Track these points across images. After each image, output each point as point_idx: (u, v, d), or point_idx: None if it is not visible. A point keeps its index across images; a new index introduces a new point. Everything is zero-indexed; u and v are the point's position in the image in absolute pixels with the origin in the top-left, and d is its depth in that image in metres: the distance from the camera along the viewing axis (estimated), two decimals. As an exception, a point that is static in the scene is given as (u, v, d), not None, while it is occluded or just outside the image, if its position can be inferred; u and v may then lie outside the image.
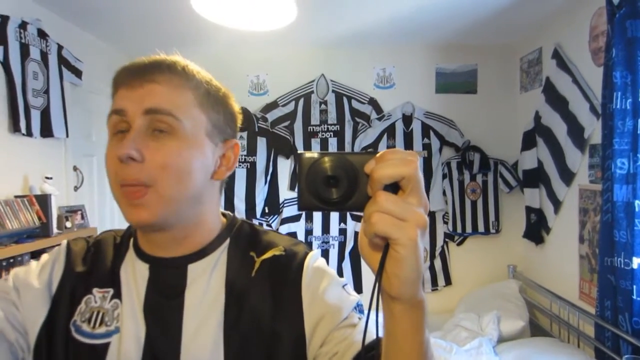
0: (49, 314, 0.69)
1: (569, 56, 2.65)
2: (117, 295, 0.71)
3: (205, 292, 0.70)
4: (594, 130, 2.39)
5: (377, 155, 0.48)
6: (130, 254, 0.75)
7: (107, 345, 0.67)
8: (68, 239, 0.79)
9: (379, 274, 0.49)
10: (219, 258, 0.73)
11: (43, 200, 2.21)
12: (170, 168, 0.65)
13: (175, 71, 0.68)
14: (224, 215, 0.81)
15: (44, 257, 0.76)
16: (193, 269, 0.71)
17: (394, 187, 0.47)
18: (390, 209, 0.45)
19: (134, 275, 0.72)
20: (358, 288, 3.40)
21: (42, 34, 2.39)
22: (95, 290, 0.71)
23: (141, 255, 0.73)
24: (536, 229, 3.01)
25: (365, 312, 0.53)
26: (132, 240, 0.77)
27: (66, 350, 0.67)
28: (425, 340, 0.52)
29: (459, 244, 3.45)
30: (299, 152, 0.51)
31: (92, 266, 0.74)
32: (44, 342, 0.68)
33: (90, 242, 0.78)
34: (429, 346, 0.53)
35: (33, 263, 0.75)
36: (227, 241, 0.76)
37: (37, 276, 0.72)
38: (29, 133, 2.28)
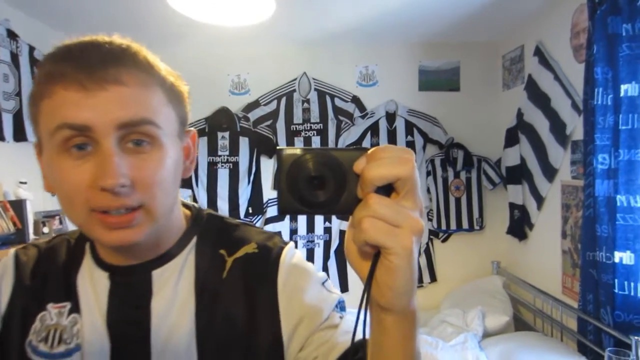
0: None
1: (551, 53, 2.67)
2: (75, 309, 0.64)
3: (174, 298, 0.64)
4: (575, 127, 2.41)
5: (368, 152, 0.43)
6: (87, 260, 0.67)
7: None
8: (17, 248, 0.71)
9: (368, 285, 0.44)
10: (187, 259, 0.67)
11: (18, 206, 2.15)
12: (159, 184, 0.57)
13: (141, 65, 0.57)
14: (187, 207, 0.73)
15: None
16: (158, 275, 0.65)
17: (387, 189, 0.42)
18: (384, 213, 0.41)
19: (93, 285, 0.65)
20: (344, 287, 3.39)
21: (11, 35, 2.30)
22: (50, 306, 0.65)
23: (99, 262, 0.66)
24: (519, 225, 3.03)
25: (354, 322, 0.49)
26: (88, 244, 0.69)
27: None
28: (416, 352, 0.49)
29: (444, 240, 3.46)
30: (278, 147, 0.45)
31: (45, 278, 0.67)
32: None
33: (42, 249, 0.70)
34: (419, 358, 0.50)
35: None
36: (194, 239, 0.69)
37: None
38: (1, 137, 2.21)
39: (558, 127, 2.56)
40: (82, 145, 0.54)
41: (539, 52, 2.76)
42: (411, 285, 0.44)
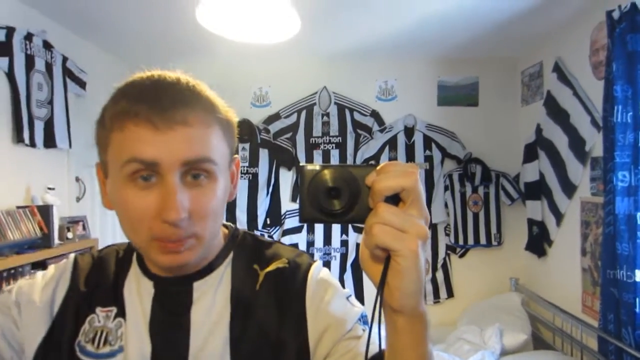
0: (48, 332, 0.68)
1: (570, 70, 2.67)
2: (121, 313, 0.69)
3: (211, 308, 0.69)
4: (595, 143, 2.40)
5: (378, 167, 0.49)
6: (134, 270, 0.73)
7: None
8: (76, 253, 0.77)
9: (381, 286, 0.49)
10: (224, 273, 0.72)
11: (45, 211, 2.21)
12: (212, 214, 0.63)
13: (205, 106, 0.63)
14: (225, 226, 0.79)
15: (50, 270, 0.74)
16: (199, 286, 0.70)
17: (394, 199, 0.48)
18: (391, 220, 0.46)
19: (139, 292, 0.70)
20: (360, 299, 3.35)
21: (47, 45, 2.41)
22: (98, 310, 0.70)
23: (146, 272, 0.72)
24: (538, 241, 3.01)
25: (374, 334, 0.53)
26: (135, 254, 0.75)
27: None
28: (428, 353, 0.52)
29: (461, 256, 3.44)
30: (300, 164, 0.51)
31: (96, 284, 0.72)
32: None
33: (95, 258, 0.76)
34: (432, 359, 0.53)
35: (39, 276, 0.73)
36: (231, 255, 0.74)
37: (41, 292, 0.70)
38: (32, 144, 2.29)
39: (577, 144, 2.55)
40: (147, 176, 0.59)
41: (557, 69, 2.76)
42: (418, 286, 0.48)
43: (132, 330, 0.67)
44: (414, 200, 0.47)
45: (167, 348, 0.67)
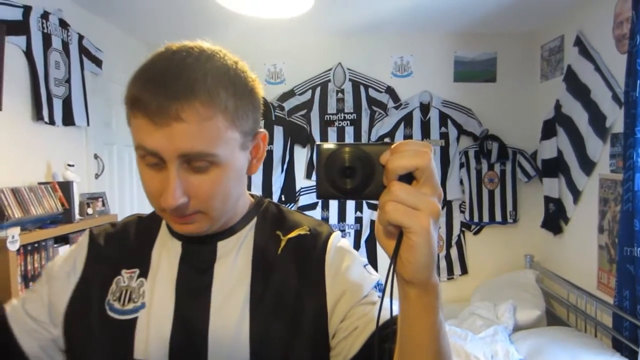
0: (73, 295, 0.75)
1: (592, 43, 2.60)
2: (143, 274, 0.75)
3: (233, 266, 0.74)
4: (616, 119, 2.35)
5: (392, 146, 0.51)
6: (163, 234, 0.79)
7: (135, 319, 0.72)
8: (90, 227, 0.84)
9: (394, 260, 0.51)
10: (247, 236, 0.77)
11: (65, 187, 2.26)
12: (216, 196, 0.66)
13: (204, 99, 0.61)
14: (252, 196, 0.84)
15: (72, 247, 0.82)
16: (222, 245, 0.75)
17: (408, 177, 0.50)
18: (404, 198, 0.48)
19: (168, 253, 0.76)
20: (373, 276, 3.42)
21: (63, 24, 2.42)
22: (123, 272, 0.76)
23: (174, 233, 0.78)
24: (554, 218, 2.99)
25: (387, 301, 0.56)
26: (163, 221, 0.81)
27: (102, 328, 0.73)
28: (439, 322, 0.54)
29: (476, 233, 3.43)
30: (317, 143, 0.55)
31: (118, 248, 0.79)
32: (72, 321, 0.74)
33: (116, 226, 0.83)
34: (442, 327, 0.55)
35: (62, 253, 0.82)
36: (255, 220, 0.79)
37: (63, 264, 0.78)
38: (52, 121, 2.32)
39: (597, 120, 2.50)
40: (156, 162, 0.64)
41: (579, 42, 2.69)
42: (430, 260, 0.50)
43: (157, 288, 0.73)
44: (427, 179, 0.49)
45: (190, 303, 0.72)
